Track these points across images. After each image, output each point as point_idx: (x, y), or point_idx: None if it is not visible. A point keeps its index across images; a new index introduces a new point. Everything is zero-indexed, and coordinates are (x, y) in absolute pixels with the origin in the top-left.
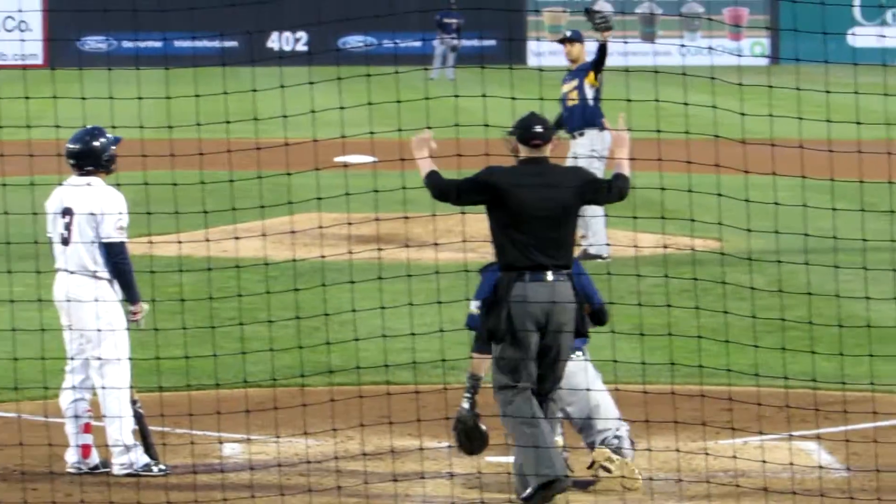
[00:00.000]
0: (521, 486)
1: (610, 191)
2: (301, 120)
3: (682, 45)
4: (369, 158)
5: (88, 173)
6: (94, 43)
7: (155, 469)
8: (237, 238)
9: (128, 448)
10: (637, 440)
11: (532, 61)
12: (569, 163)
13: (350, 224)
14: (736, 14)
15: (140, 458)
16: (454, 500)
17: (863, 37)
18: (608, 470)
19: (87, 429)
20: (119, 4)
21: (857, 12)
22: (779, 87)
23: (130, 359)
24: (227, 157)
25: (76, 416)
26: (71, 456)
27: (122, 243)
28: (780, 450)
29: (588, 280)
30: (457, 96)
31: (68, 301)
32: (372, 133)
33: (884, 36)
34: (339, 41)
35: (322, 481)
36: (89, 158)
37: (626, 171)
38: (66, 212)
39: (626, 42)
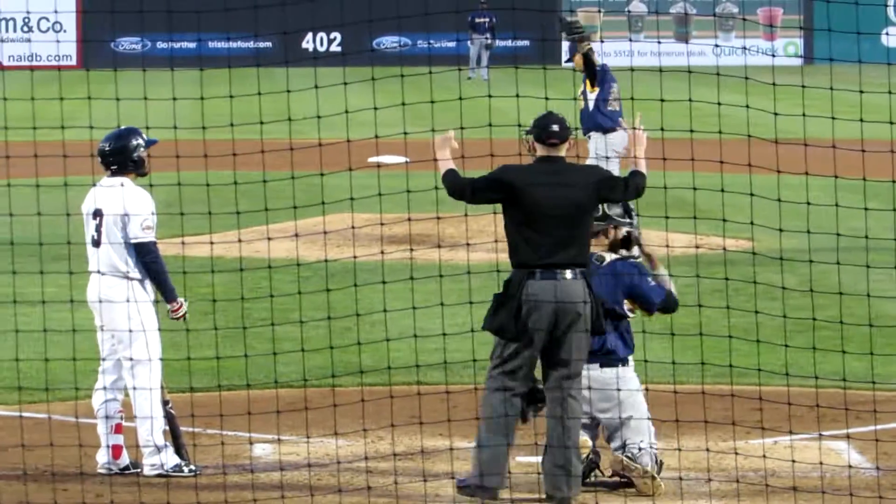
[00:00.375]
0: (549, 484)
1: (627, 188)
2: (335, 120)
3: (717, 46)
4: (402, 159)
5: (117, 173)
6: (128, 44)
7: (185, 470)
8: (269, 238)
9: (158, 449)
10: (667, 439)
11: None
12: (588, 162)
13: (382, 224)
14: (770, 14)
15: (170, 458)
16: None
17: None
18: (626, 478)
19: (118, 429)
20: (154, 6)
21: (891, 12)
22: (812, 86)
23: (162, 359)
24: (260, 157)
25: (107, 417)
26: (102, 456)
27: (151, 243)
28: (811, 449)
29: (646, 282)
30: (490, 96)
31: (100, 302)
32: (405, 133)
33: None
34: (373, 42)
35: (352, 481)
36: (115, 158)
37: (643, 168)
38: (97, 213)
39: (659, 42)
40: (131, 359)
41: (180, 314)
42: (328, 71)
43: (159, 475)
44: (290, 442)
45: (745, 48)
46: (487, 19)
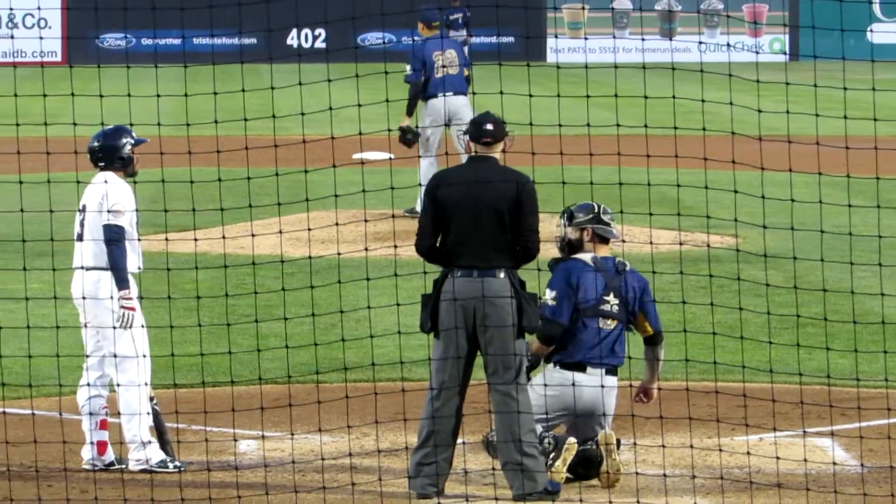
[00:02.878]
0: (507, 481)
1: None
2: (319, 117)
3: (701, 42)
4: (386, 155)
5: (104, 170)
6: (112, 40)
7: (170, 466)
8: (254, 235)
9: (143, 444)
10: (652, 436)
11: (551, 58)
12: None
13: (366, 221)
14: (755, 11)
15: (155, 454)
16: (468, 496)
17: (882, 33)
18: (601, 456)
19: (103, 425)
20: (138, 2)
21: (876, 8)
22: (796, 83)
23: (146, 356)
24: (244, 154)
25: (92, 413)
26: (86, 452)
27: (117, 226)
28: (795, 446)
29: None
30: (474, 93)
31: (84, 298)
32: (389, 130)
33: None
34: (357, 38)
35: (336, 478)
36: (102, 155)
37: None
38: (82, 209)
39: (644, 39)
40: (116, 355)
41: (129, 304)
42: (312, 67)
43: (144, 471)
44: (274, 438)
45: (729, 45)
46: (461, 14)
